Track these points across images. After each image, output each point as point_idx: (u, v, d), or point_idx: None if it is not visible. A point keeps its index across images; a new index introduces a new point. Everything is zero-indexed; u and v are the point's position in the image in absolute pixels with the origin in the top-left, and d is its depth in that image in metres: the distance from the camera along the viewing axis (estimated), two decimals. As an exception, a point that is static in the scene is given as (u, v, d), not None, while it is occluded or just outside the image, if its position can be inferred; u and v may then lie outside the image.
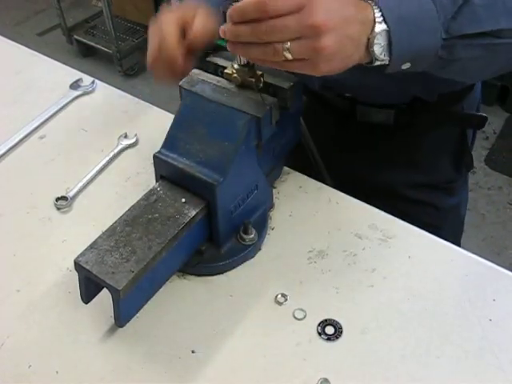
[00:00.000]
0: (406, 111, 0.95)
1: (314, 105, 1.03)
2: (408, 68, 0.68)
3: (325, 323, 0.71)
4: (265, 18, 0.60)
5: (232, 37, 0.63)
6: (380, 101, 0.95)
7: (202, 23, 0.78)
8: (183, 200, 0.73)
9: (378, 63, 0.66)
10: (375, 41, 0.63)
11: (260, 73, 0.75)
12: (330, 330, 0.70)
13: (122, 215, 0.71)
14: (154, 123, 1.02)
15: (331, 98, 1.01)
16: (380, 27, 0.63)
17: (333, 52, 0.61)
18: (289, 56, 0.61)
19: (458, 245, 0.83)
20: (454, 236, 1.04)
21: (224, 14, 0.65)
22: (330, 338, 0.70)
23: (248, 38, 0.62)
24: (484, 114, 0.99)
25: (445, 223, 1.04)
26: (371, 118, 0.98)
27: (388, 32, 0.63)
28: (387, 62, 0.66)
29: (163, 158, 0.74)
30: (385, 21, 0.63)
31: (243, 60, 0.73)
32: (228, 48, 0.64)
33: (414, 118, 0.95)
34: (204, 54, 0.81)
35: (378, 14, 0.63)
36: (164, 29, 0.80)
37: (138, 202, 0.73)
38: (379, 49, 0.64)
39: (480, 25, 0.67)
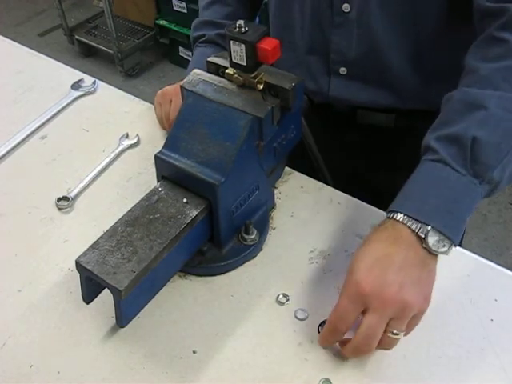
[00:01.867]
0: (407, 115, 0.96)
1: (316, 106, 1.03)
2: None
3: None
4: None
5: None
6: (380, 109, 0.97)
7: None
8: (184, 200, 0.73)
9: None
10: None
11: (261, 73, 0.74)
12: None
13: (124, 215, 0.71)
14: (156, 123, 1.02)
15: (334, 105, 1.01)
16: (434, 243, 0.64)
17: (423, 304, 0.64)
18: (398, 337, 0.64)
19: (459, 245, 0.83)
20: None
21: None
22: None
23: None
24: None
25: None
26: (372, 120, 0.99)
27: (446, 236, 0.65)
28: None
29: (164, 158, 0.74)
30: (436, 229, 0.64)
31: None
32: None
33: (414, 121, 0.95)
34: None
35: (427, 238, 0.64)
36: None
37: (139, 202, 0.73)
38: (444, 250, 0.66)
39: (500, 150, 0.66)
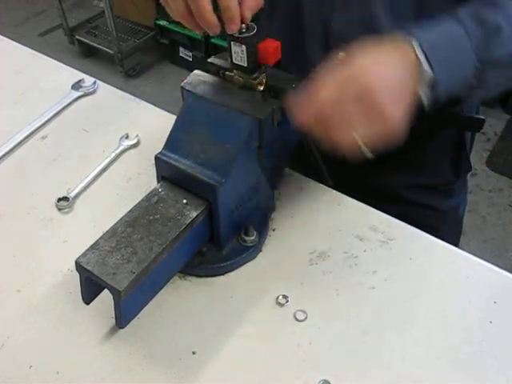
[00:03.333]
0: None
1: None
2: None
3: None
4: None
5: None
6: None
7: None
8: (184, 201, 0.73)
9: (425, 91, 0.69)
10: (422, 91, 0.68)
11: (262, 74, 0.75)
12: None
13: (124, 216, 0.71)
14: (156, 124, 1.02)
15: None
16: (427, 75, 0.67)
17: (398, 118, 0.66)
18: (360, 142, 0.66)
19: (457, 246, 0.83)
20: (452, 237, 1.04)
21: None
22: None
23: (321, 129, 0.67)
24: (481, 117, 0.99)
25: (444, 225, 1.04)
26: None
27: (433, 79, 0.68)
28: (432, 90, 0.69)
29: (165, 158, 0.74)
30: (429, 63, 0.67)
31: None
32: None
33: (412, 120, 0.95)
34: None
35: (422, 58, 0.67)
36: None
37: (139, 202, 0.73)
38: (424, 97, 0.68)
39: (508, 49, 0.71)
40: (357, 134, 0.65)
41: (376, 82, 0.64)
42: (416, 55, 0.67)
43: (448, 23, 0.72)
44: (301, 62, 0.98)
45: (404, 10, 0.87)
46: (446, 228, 1.05)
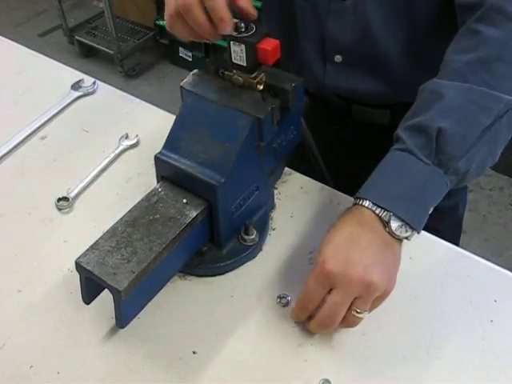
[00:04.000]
0: (402, 111, 0.96)
1: (313, 105, 1.03)
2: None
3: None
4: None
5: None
6: (375, 102, 0.96)
7: None
8: (184, 201, 0.73)
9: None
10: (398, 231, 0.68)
11: (261, 74, 0.74)
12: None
13: (123, 216, 0.71)
14: (155, 124, 1.02)
15: (328, 99, 1.01)
16: (403, 232, 0.68)
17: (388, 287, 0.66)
18: (362, 316, 0.66)
19: (457, 245, 0.83)
20: (452, 237, 1.04)
21: None
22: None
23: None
24: None
25: (443, 224, 1.04)
26: (367, 117, 0.99)
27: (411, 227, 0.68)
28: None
29: (164, 158, 0.74)
30: (397, 217, 0.67)
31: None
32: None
33: None
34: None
35: (387, 218, 0.67)
36: None
37: (139, 202, 0.73)
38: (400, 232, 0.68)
39: (465, 141, 0.68)
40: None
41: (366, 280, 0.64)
42: (382, 221, 0.67)
43: (394, 156, 0.71)
44: (298, 63, 0.98)
45: (397, 12, 0.87)
46: (446, 227, 1.05)
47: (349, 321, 0.66)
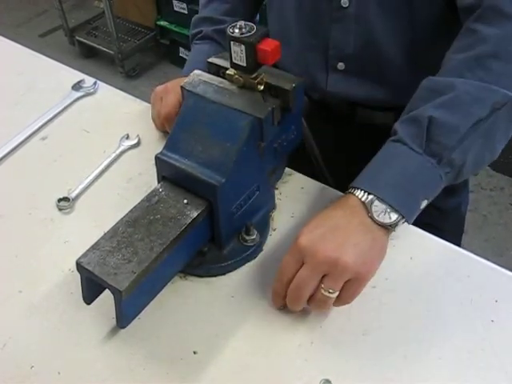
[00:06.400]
0: None
1: (315, 106, 1.03)
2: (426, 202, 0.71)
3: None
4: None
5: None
6: (378, 106, 0.97)
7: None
8: (185, 201, 0.73)
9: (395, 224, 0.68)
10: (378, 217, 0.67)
11: (262, 74, 0.75)
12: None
13: (124, 216, 0.71)
14: (156, 124, 1.02)
15: (331, 103, 1.01)
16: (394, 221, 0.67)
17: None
18: (332, 296, 0.66)
19: (459, 245, 0.83)
20: (454, 237, 1.04)
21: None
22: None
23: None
24: None
25: (446, 224, 1.04)
26: (370, 120, 0.99)
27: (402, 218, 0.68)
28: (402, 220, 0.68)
29: (165, 158, 0.74)
30: (391, 207, 0.67)
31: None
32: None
33: None
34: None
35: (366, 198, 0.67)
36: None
37: (139, 203, 0.73)
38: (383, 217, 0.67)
39: (457, 131, 0.68)
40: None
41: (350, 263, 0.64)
42: (366, 206, 0.67)
43: (387, 147, 0.72)
44: (300, 71, 0.97)
45: (399, 18, 0.87)
46: (449, 227, 1.05)
47: (319, 299, 0.66)
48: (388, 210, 0.67)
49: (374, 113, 0.98)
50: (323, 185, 0.90)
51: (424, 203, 0.70)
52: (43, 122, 1.04)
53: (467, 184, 1.13)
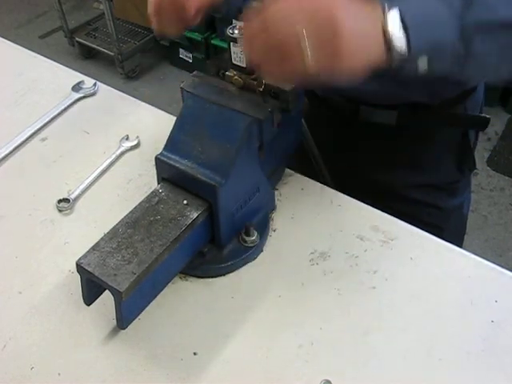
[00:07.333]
0: (409, 112, 0.95)
1: (316, 106, 1.03)
2: (426, 69, 0.66)
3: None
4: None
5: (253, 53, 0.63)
6: (383, 103, 0.96)
7: None
8: (185, 202, 0.73)
9: (396, 57, 0.63)
10: (390, 28, 0.62)
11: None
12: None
13: (124, 217, 0.71)
14: (156, 125, 1.02)
15: (334, 100, 1.01)
16: (393, 14, 0.62)
17: (349, 37, 0.60)
18: (307, 53, 0.59)
19: (460, 246, 0.83)
20: (456, 237, 1.04)
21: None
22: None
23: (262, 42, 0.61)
24: (487, 116, 0.99)
25: (448, 224, 1.04)
26: (373, 118, 0.99)
27: (402, 18, 0.62)
28: (405, 54, 0.63)
29: (165, 159, 0.74)
30: (403, 26, 0.62)
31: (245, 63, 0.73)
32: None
33: (416, 119, 0.95)
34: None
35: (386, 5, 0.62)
36: None
37: (139, 203, 0.73)
38: (397, 37, 0.62)
39: (495, 11, 0.65)
40: (308, 63, 0.59)
41: (340, 14, 0.59)
42: (385, 17, 0.62)
43: None
44: None
45: None
46: (451, 227, 1.05)
47: (296, 69, 0.60)
48: (401, 26, 0.62)
49: (376, 111, 0.98)
50: (323, 185, 0.90)
51: (424, 61, 0.66)
52: (43, 122, 1.04)
53: (469, 184, 1.13)
